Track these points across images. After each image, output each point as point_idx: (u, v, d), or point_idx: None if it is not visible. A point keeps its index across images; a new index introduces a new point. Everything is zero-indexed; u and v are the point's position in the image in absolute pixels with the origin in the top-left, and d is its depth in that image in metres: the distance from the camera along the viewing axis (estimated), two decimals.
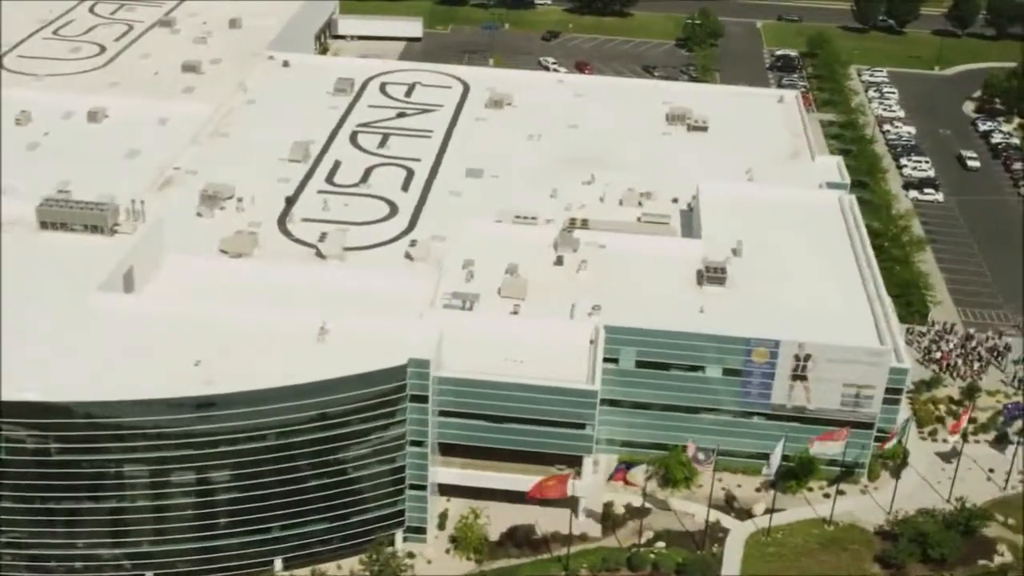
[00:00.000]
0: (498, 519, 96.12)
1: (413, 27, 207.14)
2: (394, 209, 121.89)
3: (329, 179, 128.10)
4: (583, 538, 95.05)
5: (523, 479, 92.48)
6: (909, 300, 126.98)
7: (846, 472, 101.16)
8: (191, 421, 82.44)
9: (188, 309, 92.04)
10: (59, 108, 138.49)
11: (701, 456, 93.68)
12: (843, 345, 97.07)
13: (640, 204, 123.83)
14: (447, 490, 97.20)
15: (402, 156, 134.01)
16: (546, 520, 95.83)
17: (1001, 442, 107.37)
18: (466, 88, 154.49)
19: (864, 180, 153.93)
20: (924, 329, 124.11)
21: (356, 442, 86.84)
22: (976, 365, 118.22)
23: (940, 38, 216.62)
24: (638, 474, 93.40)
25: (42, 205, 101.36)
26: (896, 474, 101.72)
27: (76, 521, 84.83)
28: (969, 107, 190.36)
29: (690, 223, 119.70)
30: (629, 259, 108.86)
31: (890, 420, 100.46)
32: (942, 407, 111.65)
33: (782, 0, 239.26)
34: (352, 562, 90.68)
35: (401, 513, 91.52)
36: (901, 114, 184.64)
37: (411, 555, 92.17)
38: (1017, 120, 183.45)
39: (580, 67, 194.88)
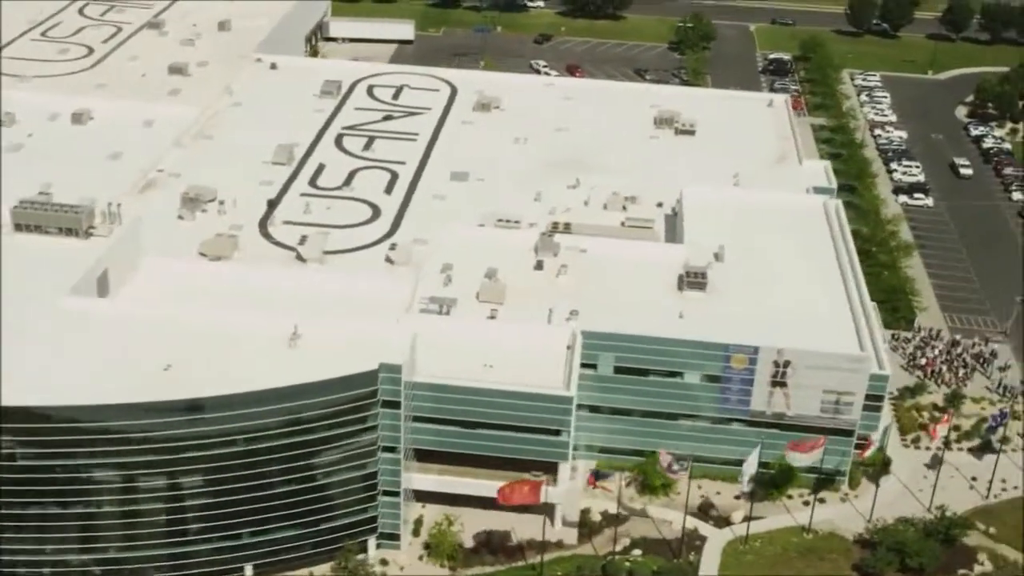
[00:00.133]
0: (474, 526, 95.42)
1: (405, 30, 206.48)
2: (376, 212, 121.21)
3: (312, 182, 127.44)
4: (559, 545, 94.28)
5: (499, 486, 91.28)
6: (895, 306, 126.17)
7: (827, 480, 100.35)
8: (160, 426, 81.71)
9: (160, 313, 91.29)
10: (44, 109, 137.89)
11: (676, 466, 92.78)
12: (822, 351, 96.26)
13: (624, 208, 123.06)
14: (423, 496, 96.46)
15: (387, 159, 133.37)
16: (522, 527, 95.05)
17: (984, 450, 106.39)
18: (454, 91, 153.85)
19: (853, 185, 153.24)
20: (910, 335, 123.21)
21: (327, 448, 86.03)
22: (961, 372, 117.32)
23: (934, 42, 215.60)
24: (609, 481, 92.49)
25: (16, 207, 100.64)
26: (876, 482, 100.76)
27: (44, 527, 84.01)
28: (962, 112, 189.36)
29: (674, 228, 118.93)
30: (610, 264, 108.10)
31: (871, 427, 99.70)
32: (926, 414, 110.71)
33: (776, 4, 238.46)
34: (324, 569, 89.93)
35: (374, 519, 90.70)
36: (893, 118, 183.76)
37: (384, 562, 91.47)
38: (1010, 125, 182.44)
39: (571, 70, 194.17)
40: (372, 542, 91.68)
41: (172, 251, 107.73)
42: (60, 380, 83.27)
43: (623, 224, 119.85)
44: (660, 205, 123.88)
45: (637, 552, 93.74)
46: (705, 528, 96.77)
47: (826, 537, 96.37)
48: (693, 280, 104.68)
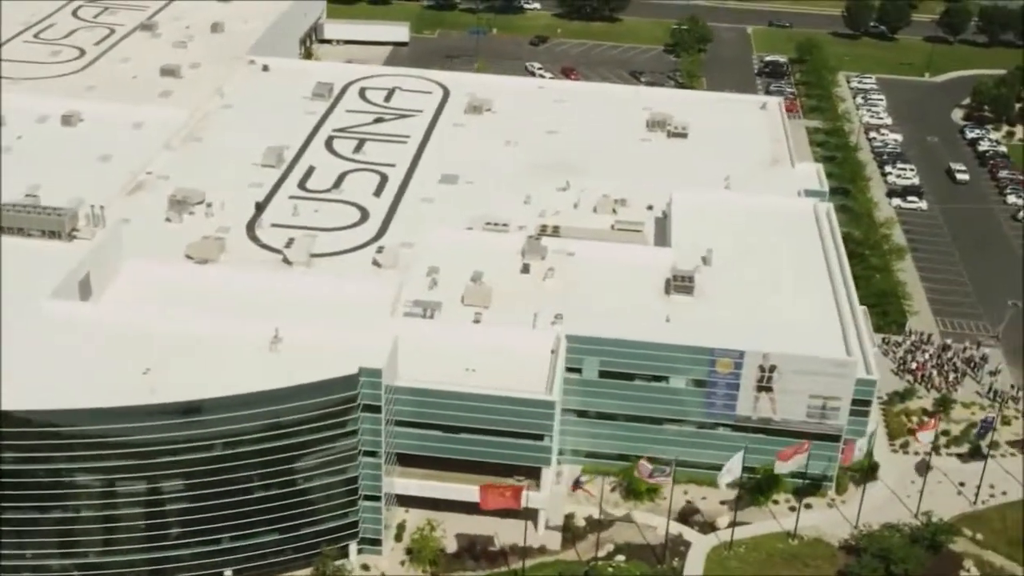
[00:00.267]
0: (458, 530, 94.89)
1: (400, 32, 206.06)
2: (365, 215, 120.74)
3: (302, 184, 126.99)
4: (542, 551, 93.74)
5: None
6: (886, 309, 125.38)
7: (813, 485, 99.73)
8: (138, 430, 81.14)
9: (140, 316, 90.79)
10: (34, 111, 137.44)
11: (657, 474, 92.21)
12: (808, 356, 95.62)
13: (614, 211, 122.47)
14: (407, 501, 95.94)
15: (377, 161, 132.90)
16: (506, 532, 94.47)
17: (973, 455, 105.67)
18: (446, 93, 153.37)
19: (847, 188, 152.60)
20: (900, 339, 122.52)
21: (307, 452, 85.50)
22: (951, 376, 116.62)
23: (932, 45, 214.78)
24: (590, 485, 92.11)
25: None
26: (863, 487, 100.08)
27: (24, 532, 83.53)
28: (958, 114, 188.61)
29: (664, 231, 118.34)
30: (597, 267, 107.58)
31: (858, 432, 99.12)
32: (915, 419, 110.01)
33: (774, 6, 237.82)
34: (304, 574, 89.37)
35: (355, 524, 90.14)
36: (888, 121, 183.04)
37: (365, 567, 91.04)
38: (1006, 128, 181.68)
39: (566, 72, 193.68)
40: (353, 547, 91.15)
41: (159, 254, 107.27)
42: (38, 384, 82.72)
43: (613, 227, 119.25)
44: (650, 208, 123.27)
45: (620, 558, 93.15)
46: (690, 534, 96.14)
47: (811, 543, 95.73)
48: (680, 284, 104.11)
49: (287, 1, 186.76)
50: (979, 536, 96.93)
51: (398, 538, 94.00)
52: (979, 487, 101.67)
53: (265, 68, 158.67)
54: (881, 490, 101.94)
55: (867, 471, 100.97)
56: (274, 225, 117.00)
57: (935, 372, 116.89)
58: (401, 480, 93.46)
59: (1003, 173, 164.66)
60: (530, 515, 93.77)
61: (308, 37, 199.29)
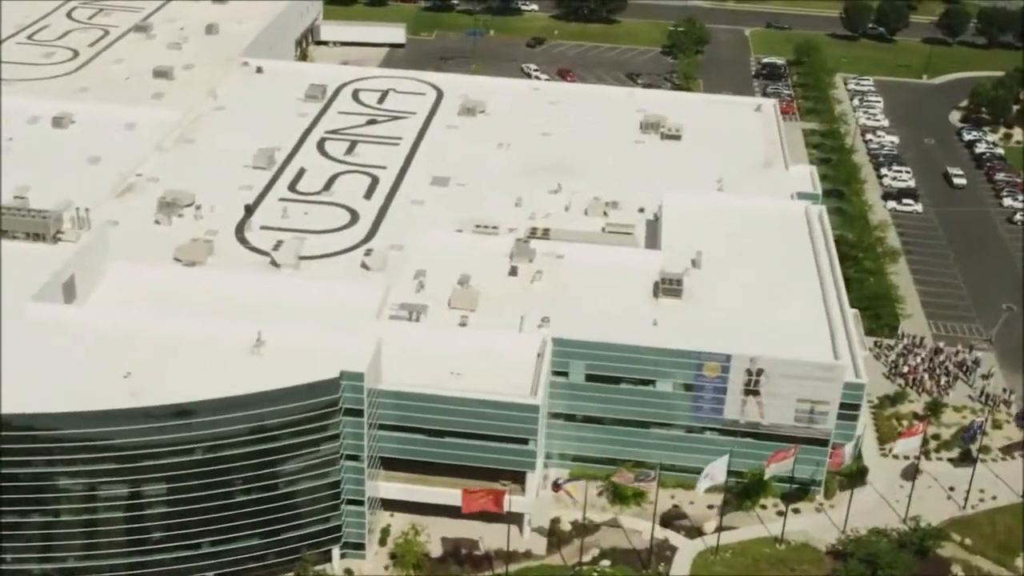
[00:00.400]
0: (443, 534, 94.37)
1: (396, 33, 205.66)
2: (355, 217, 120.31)
3: (292, 187, 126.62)
4: (527, 555, 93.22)
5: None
6: (879, 313, 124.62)
7: (802, 489, 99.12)
8: (118, 434, 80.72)
9: (122, 319, 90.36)
10: (25, 113, 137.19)
11: (641, 478, 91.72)
12: (796, 359, 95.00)
13: (605, 214, 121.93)
14: (392, 505, 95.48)
15: (368, 163, 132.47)
16: (491, 536, 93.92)
17: (964, 460, 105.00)
18: (440, 95, 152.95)
19: (842, 190, 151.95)
20: (892, 343, 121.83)
21: (289, 456, 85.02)
22: (943, 380, 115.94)
23: (930, 46, 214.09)
24: (572, 489, 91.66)
25: None
26: (851, 492, 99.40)
27: (3, 536, 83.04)
28: (956, 116, 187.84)
29: (655, 233, 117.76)
30: (586, 270, 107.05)
31: (847, 436, 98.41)
32: (905, 423, 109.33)
33: (773, 8, 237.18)
34: None
35: (338, 529, 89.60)
36: (885, 123, 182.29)
37: (349, 572, 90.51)
38: (1003, 130, 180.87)
39: (563, 74, 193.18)
40: (336, 552, 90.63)
41: (147, 256, 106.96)
42: (19, 387, 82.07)
43: (604, 230, 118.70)
44: (642, 211, 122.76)
45: (606, 563, 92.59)
46: (676, 539, 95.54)
47: (798, 548, 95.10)
48: (668, 287, 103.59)
49: (283, 2, 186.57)
50: (968, 541, 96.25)
51: (382, 542, 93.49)
52: (968, 492, 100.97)
53: (259, 70, 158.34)
54: (870, 494, 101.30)
55: (855, 475, 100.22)
56: (263, 227, 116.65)
57: (927, 376, 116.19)
58: (384, 484, 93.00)
59: (1000, 176, 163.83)
60: (515, 519, 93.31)
61: (304, 39, 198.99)
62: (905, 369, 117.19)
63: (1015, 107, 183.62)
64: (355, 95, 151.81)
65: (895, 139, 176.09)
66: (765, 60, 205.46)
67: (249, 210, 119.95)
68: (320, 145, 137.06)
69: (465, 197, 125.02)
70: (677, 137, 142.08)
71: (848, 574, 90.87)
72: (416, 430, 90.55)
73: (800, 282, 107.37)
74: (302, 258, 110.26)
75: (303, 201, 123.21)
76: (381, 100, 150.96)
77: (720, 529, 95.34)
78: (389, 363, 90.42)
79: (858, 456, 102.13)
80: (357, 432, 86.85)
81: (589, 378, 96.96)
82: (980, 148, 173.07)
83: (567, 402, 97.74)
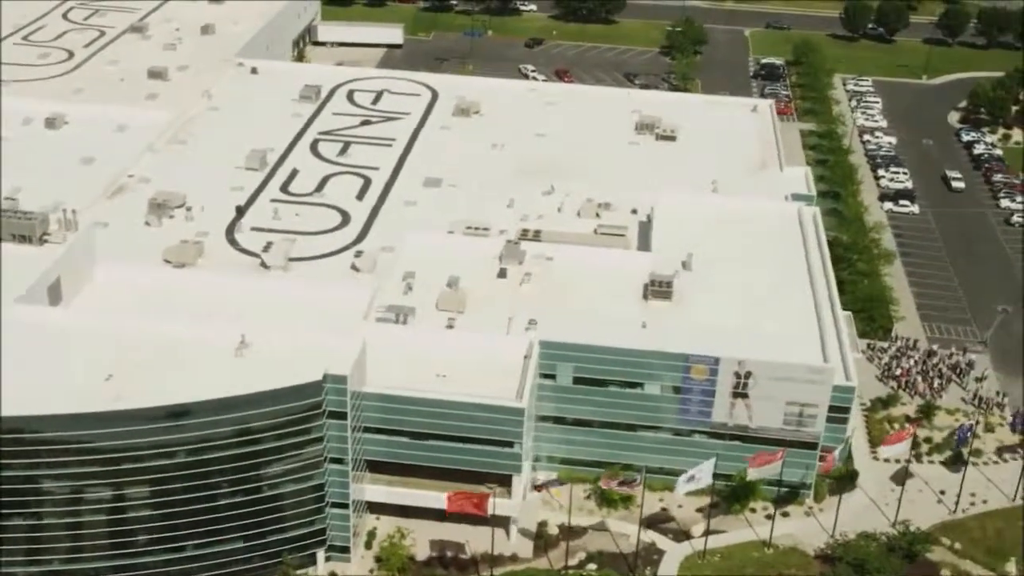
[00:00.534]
0: (431, 538, 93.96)
1: (394, 33, 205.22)
2: (346, 219, 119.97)
3: (284, 188, 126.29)
4: (513, 559, 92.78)
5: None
6: (872, 315, 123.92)
7: (791, 493, 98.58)
8: (99, 437, 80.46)
9: (107, 321, 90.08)
10: (19, 114, 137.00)
11: (627, 481, 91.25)
12: (784, 362, 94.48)
13: (598, 215, 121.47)
14: (380, 508, 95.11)
15: (361, 165, 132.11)
16: (478, 540, 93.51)
17: (956, 463, 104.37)
18: (435, 96, 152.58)
19: (838, 191, 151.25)
20: (886, 345, 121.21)
21: (272, 459, 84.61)
22: (936, 382, 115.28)
23: (930, 47, 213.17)
24: (558, 492, 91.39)
25: None
26: (840, 495, 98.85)
27: None
28: (955, 117, 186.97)
29: (647, 235, 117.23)
30: (576, 272, 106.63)
31: (836, 439, 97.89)
32: (897, 425, 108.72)
33: (773, 8, 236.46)
34: None
35: (322, 532, 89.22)
36: (883, 124, 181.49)
37: (333, 575, 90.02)
38: (1002, 131, 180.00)
39: (560, 74, 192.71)
40: (321, 555, 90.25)
41: (137, 258, 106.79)
42: (2, 389, 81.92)
43: (596, 231, 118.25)
44: (635, 212, 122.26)
45: (592, 566, 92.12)
46: (664, 542, 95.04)
47: (787, 552, 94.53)
48: (658, 289, 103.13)
49: (280, 3, 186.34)
50: (957, 545, 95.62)
51: (368, 545, 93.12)
52: (959, 495, 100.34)
53: (254, 70, 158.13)
54: (860, 498, 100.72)
55: (844, 478, 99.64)
56: (254, 229, 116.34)
57: (920, 378, 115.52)
58: (370, 487, 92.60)
59: (997, 177, 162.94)
60: (502, 522, 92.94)
61: (302, 39, 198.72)
62: (898, 372, 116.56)
63: (1014, 108, 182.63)
64: (350, 96, 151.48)
65: (893, 140, 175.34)
66: (764, 60, 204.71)
67: (240, 211, 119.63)
68: (313, 146, 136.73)
69: (457, 198, 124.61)
70: (672, 138, 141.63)
71: None
72: (401, 433, 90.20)
73: (791, 284, 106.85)
74: (292, 260, 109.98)
75: (295, 202, 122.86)
76: (375, 101, 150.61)
77: (708, 533, 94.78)
78: (375, 365, 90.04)
79: (848, 458, 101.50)
80: (341, 435, 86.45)
81: (577, 381, 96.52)
82: (978, 149, 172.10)
83: (555, 405, 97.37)
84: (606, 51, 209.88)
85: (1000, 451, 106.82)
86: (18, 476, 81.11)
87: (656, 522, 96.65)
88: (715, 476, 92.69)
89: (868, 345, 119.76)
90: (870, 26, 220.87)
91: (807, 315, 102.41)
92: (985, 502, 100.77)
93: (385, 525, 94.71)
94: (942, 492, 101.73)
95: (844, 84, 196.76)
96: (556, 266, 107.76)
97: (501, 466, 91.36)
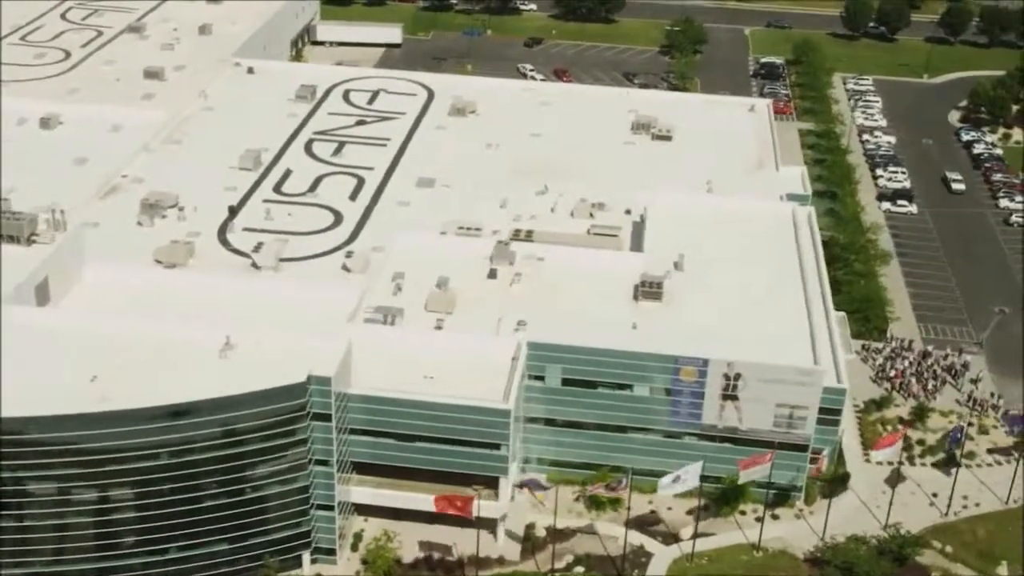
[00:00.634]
0: (418, 539, 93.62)
1: (392, 33, 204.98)
2: (339, 219, 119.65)
3: (277, 188, 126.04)
4: (500, 561, 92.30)
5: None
6: (867, 315, 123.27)
7: (782, 495, 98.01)
8: (83, 438, 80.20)
9: (93, 322, 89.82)
10: (13, 114, 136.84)
11: (613, 484, 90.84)
12: (773, 364, 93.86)
13: (592, 216, 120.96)
14: (367, 510, 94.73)
15: (355, 165, 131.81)
16: (465, 542, 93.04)
17: (948, 465, 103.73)
18: (431, 96, 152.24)
19: (835, 191, 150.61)
20: (880, 346, 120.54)
21: (256, 461, 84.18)
22: (931, 384, 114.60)
23: (931, 45, 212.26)
24: (542, 496, 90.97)
25: None
26: (830, 498, 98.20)
27: None
28: (955, 116, 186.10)
29: (641, 236, 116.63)
30: (566, 273, 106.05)
31: (827, 442, 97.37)
32: (890, 427, 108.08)
33: (773, 6, 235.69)
34: None
35: (308, 534, 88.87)
36: (883, 123, 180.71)
37: None
38: (1002, 130, 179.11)
39: (559, 74, 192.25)
40: (307, 557, 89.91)
41: (128, 258, 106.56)
42: None
43: (589, 232, 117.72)
44: (628, 212, 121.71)
45: (580, 569, 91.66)
46: (652, 545, 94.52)
47: (776, 555, 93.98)
48: (648, 290, 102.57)
49: (278, 3, 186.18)
50: (948, 548, 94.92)
51: (354, 547, 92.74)
52: (951, 498, 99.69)
53: (250, 70, 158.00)
54: (852, 500, 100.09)
55: (835, 481, 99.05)
56: (246, 229, 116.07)
57: (914, 380, 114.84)
58: (356, 489, 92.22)
59: (997, 176, 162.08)
60: (489, 525, 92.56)
61: (300, 39, 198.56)
62: (892, 373, 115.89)
63: (1015, 107, 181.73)
64: (346, 96, 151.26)
65: (892, 139, 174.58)
66: (763, 60, 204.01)
67: (232, 211, 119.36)
68: (308, 146, 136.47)
69: (451, 198, 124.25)
70: (668, 138, 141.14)
71: None
72: (387, 434, 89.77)
73: (784, 285, 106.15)
74: (283, 260, 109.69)
75: (287, 202, 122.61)
76: (371, 101, 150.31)
77: (696, 535, 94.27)
78: (363, 367, 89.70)
79: (838, 460, 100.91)
80: (326, 437, 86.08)
81: (566, 382, 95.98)
82: (978, 149, 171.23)
83: (544, 406, 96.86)
84: (605, 50, 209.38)
85: (992, 451, 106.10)
86: (1, 477, 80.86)
87: (645, 524, 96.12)
88: (705, 478, 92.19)
89: (863, 346, 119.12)
90: (871, 25, 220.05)
91: (799, 316, 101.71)
92: (978, 505, 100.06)
93: (372, 527, 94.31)
94: (934, 495, 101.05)
95: (844, 83, 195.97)
96: (547, 267, 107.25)
97: (488, 468, 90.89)
